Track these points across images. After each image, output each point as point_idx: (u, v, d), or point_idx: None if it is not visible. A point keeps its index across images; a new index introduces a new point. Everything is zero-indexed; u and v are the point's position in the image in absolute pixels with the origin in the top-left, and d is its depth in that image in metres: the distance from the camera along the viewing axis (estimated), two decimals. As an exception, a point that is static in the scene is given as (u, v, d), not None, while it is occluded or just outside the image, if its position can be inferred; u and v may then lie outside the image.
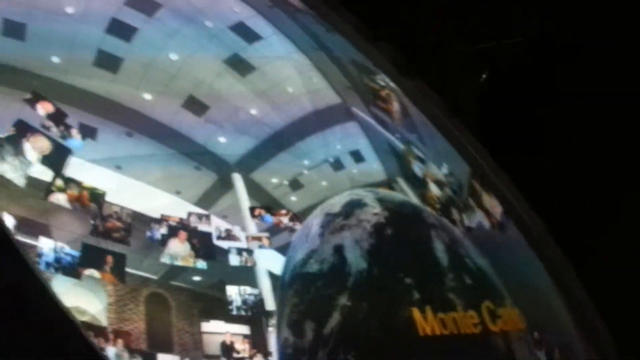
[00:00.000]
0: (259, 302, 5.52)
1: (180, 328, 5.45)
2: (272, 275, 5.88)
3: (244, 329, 5.56)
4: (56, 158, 5.16)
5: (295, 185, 6.03)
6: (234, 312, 5.41)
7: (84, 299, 5.31)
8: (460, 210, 6.14)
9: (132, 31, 5.64)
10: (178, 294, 5.55)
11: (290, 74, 5.96)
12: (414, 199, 6.10)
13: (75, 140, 5.29)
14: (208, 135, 5.81)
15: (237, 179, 5.88)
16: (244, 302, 5.58)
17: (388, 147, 6.17)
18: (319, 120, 6.04)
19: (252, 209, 5.86)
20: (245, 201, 5.84)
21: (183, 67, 5.75)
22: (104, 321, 5.19)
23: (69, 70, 5.61)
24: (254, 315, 5.44)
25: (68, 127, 5.18)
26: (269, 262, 5.69)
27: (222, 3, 5.77)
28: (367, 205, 6.03)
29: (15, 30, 5.43)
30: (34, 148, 5.16)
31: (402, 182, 6.17)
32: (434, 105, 6.18)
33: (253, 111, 5.95)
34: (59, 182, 5.05)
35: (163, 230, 5.44)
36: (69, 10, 5.54)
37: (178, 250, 5.56)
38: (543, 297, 6.00)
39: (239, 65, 5.85)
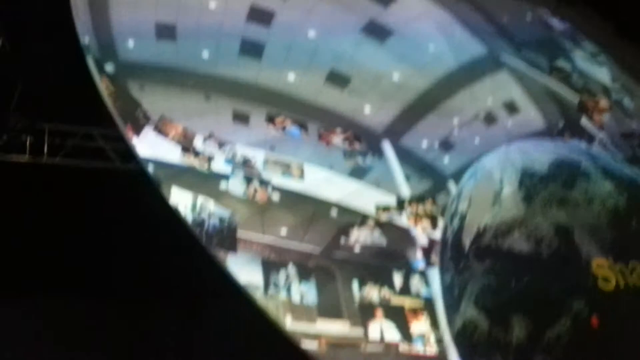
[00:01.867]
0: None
1: (346, 298, 5.57)
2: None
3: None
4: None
5: (446, 146, 5.83)
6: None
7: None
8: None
9: (270, 16, 5.77)
10: (341, 266, 5.68)
11: (430, 31, 5.73)
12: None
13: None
14: (353, 107, 5.80)
15: (387, 147, 5.82)
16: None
17: (545, 92, 5.72)
18: (465, 75, 5.76)
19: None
20: (397, 168, 5.77)
21: (322, 44, 5.78)
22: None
23: (218, 63, 5.89)
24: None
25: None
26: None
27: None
28: (591, 177, 5.44)
29: (166, 31, 5.81)
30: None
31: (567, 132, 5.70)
32: None
33: (395, 76, 5.82)
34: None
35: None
36: (212, 6, 5.81)
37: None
38: None
39: (378, 32, 5.73)
